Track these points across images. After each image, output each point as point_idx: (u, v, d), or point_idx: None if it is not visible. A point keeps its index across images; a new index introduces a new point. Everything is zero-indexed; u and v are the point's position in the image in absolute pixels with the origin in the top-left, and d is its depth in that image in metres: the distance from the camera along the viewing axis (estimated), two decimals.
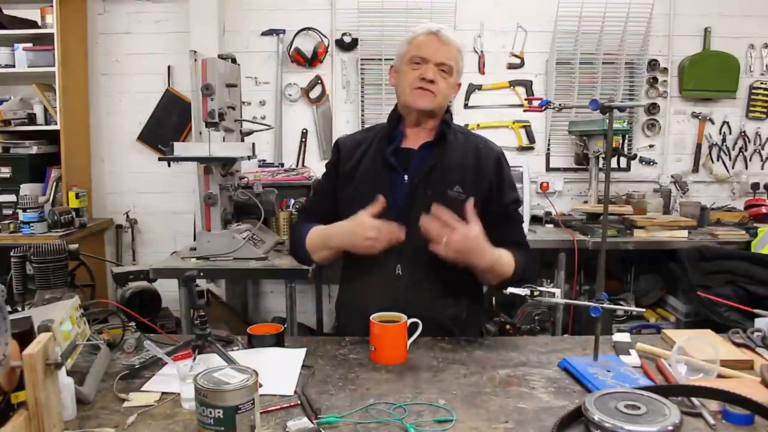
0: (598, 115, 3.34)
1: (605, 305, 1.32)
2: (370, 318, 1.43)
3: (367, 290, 1.61)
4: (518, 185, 3.10)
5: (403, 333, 1.42)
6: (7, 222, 3.33)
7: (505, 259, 1.53)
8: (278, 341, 1.50)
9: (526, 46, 3.74)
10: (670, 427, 0.94)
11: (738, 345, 1.45)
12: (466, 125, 3.73)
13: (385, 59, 3.61)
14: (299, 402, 1.18)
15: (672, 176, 3.74)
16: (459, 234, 1.38)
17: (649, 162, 3.75)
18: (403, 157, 1.63)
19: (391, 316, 1.46)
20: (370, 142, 1.69)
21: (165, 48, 3.74)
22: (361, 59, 3.71)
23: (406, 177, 1.61)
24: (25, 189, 3.38)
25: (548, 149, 3.80)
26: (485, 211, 1.58)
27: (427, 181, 1.59)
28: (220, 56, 2.61)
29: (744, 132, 3.76)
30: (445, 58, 1.58)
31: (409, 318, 1.44)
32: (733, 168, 3.80)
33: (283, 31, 3.70)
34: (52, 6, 3.35)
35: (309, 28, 3.70)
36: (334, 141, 1.84)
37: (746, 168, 3.79)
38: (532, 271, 1.66)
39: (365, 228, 1.46)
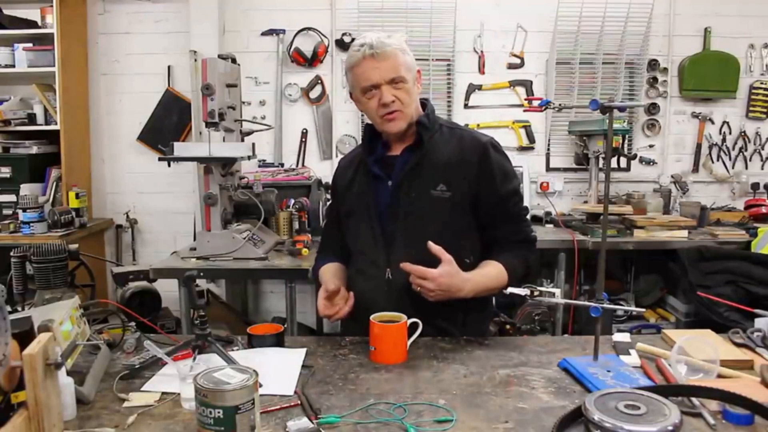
0: (598, 115, 3.35)
1: (605, 305, 1.31)
2: (371, 318, 1.44)
3: (362, 295, 1.61)
4: None
5: (403, 333, 1.42)
6: (7, 222, 3.33)
7: (491, 276, 1.55)
8: (278, 341, 1.50)
9: (526, 46, 3.74)
10: (670, 427, 0.94)
11: (738, 345, 1.45)
12: (466, 125, 3.72)
13: None
14: (299, 402, 1.18)
15: (672, 176, 3.74)
16: (430, 282, 1.43)
17: (649, 162, 3.75)
18: (387, 165, 1.64)
19: (391, 316, 1.46)
20: (362, 157, 1.70)
21: (165, 48, 3.74)
22: None
23: (389, 183, 1.61)
24: (25, 189, 3.38)
25: (548, 149, 3.80)
26: (479, 206, 1.59)
27: (409, 183, 1.58)
28: (220, 56, 2.61)
29: (744, 132, 3.76)
30: (392, 73, 1.53)
31: None
32: (733, 168, 3.80)
33: (283, 31, 3.70)
34: (52, 6, 3.35)
35: (309, 28, 3.70)
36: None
37: (746, 168, 3.79)
38: (537, 265, 1.67)
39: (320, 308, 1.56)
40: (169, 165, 2.84)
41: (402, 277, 1.56)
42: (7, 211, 3.47)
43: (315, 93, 3.76)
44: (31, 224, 3.21)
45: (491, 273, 1.55)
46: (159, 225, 3.87)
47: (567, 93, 3.70)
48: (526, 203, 3.09)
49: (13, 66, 3.43)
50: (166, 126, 3.73)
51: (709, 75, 3.65)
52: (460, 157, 1.59)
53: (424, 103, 1.67)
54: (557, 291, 1.40)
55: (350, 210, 1.69)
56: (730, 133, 3.77)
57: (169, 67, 3.76)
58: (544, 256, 3.36)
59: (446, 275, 1.45)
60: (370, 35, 1.55)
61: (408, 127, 1.61)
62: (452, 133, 1.65)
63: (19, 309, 1.51)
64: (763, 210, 3.44)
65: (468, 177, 1.58)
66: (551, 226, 3.42)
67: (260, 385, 1.05)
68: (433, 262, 1.52)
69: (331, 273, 1.71)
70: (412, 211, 1.57)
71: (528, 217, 1.70)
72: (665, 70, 3.73)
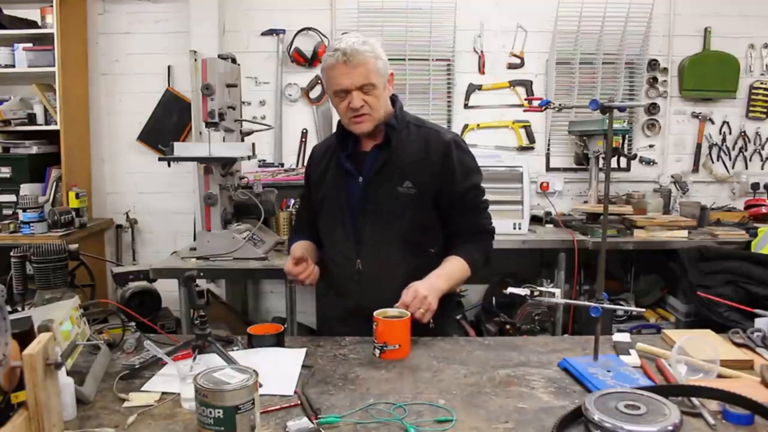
0: (598, 115, 3.34)
1: (605, 305, 1.32)
2: (374, 314, 1.46)
3: (335, 282, 1.74)
4: (518, 185, 3.16)
5: (407, 328, 1.45)
6: (7, 222, 3.33)
7: (457, 269, 1.66)
8: (278, 341, 1.51)
9: (526, 46, 3.74)
10: (670, 427, 0.94)
11: (738, 345, 1.46)
12: (466, 125, 3.74)
13: None
14: (299, 402, 1.18)
15: (672, 176, 3.74)
16: (421, 312, 1.50)
17: (649, 162, 3.75)
18: (358, 161, 1.71)
19: (393, 312, 1.47)
20: (335, 147, 1.77)
21: (165, 48, 3.74)
22: None
23: (360, 179, 1.69)
24: (25, 189, 3.38)
25: (548, 149, 3.80)
26: (440, 200, 1.69)
27: (378, 181, 1.67)
28: (220, 56, 2.61)
29: (744, 132, 3.76)
30: (363, 80, 1.59)
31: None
32: (733, 168, 3.80)
33: (283, 31, 3.70)
34: (52, 6, 3.34)
35: (309, 28, 3.70)
36: None
37: (746, 168, 3.79)
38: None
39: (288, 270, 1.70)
40: (169, 165, 2.84)
41: (371, 267, 1.68)
42: (7, 211, 3.47)
43: (315, 93, 3.76)
44: (31, 224, 3.20)
45: (454, 266, 1.67)
46: (159, 225, 3.87)
47: (567, 93, 3.70)
48: (526, 203, 3.16)
49: (13, 66, 3.43)
50: (166, 126, 3.73)
51: (709, 75, 3.65)
52: (424, 155, 1.68)
53: (394, 99, 1.73)
54: (557, 291, 1.40)
55: (323, 198, 1.76)
56: (730, 133, 3.77)
57: (169, 67, 3.76)
58: (544, 256, 3.36)
59: (414, 290, 1.52)
60: (346, 39, 1.61)
61: (376, 127, 1.67)
62: (419, 132, 1.73)
63: (19, 309, 1.51)
64: (763, 210, 3.44)
65: (431, 174, 1.67)
66: (551, 226, 3.41)
67: (260, 385, 1.05)
68: (398, 251, 1.65)
69: (300, 247, 1.81)
70: (380, 207, 1.67)
71: (488, 209, 1.79)
72: (665, 70, 3.73)
